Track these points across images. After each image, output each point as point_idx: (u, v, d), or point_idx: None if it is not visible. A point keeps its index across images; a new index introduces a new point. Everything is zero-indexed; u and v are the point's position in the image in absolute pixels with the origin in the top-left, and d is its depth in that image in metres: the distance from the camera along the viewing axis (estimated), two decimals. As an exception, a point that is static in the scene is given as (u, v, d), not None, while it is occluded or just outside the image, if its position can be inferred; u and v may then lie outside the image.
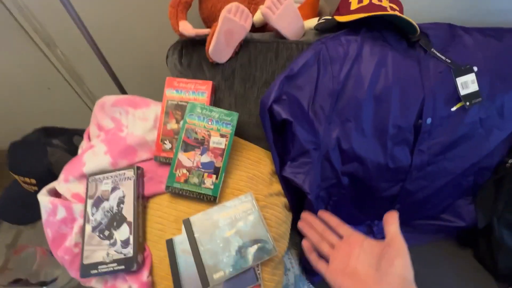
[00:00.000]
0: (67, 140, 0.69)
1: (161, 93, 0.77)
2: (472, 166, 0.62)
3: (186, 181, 0.48)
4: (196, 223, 0.45)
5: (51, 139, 0.65)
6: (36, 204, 0.50)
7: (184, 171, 0.49)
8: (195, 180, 0.48)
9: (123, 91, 0.85)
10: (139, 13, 0.76)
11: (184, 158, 0.49)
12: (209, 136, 0.50)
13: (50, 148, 0.62)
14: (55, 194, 0.53)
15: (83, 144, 0.61)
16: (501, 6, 0.65)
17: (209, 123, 0.50)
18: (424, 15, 0.67)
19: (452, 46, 0.58)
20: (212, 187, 0.48)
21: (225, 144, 0.49)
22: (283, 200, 0.55)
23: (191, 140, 0.50)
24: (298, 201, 0.58)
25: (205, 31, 0.53)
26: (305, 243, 0.40)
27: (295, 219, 0.55)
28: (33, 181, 0.60)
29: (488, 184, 0.66)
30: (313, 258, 0.38)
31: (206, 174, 0.48)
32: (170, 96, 0.55)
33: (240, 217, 0.46)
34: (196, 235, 0.45)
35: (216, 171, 0.49)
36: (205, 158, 0.49)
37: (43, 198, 0.48)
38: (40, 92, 1.03)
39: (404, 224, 0.63)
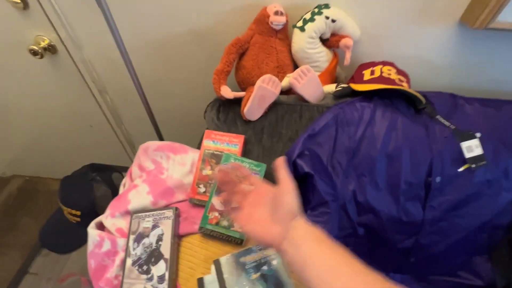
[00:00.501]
0: (107, 177, 0.78)
1: (193, 140, 0.87)
2: (484, 224, 0.64)
3: (217, 223, 0.54)
4: (225, 264, 0.50)
5: (96, 175, 0.74)
6: (75, 235, 0.56)
7: (216, 214, 0.55)
8: (225, 223, 0.54)
9: (159, 135, 0.96)
10: (184, 71, 0.89)
11: (217, 202, 0.56)
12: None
13: (95, 184, 0.71)
14: (99, 227, 0.60)
15: (126, 183, 0.69)
16: (497, 76, 0.75)
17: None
18: (428, 84, 0.77)
19: (455, 113, 0.65)
20: (240, 230, 0.53)
21: None
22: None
23: None
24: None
25: (241, 94, 0.64)
26: (222, 196, 0.42)
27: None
28: (78, 213, 0.67)
29: (503, 243, 0.67)
30: (228, 209, 0.41)
31: None
32: (207, 146, 0.64)
33: (265, 261, 0.51)
34: (225, 275, 0.49)
35: None
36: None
37: (92, 231, 0.55)
38: (83, 128, 1.16)
39: (420, 279, 0.65)
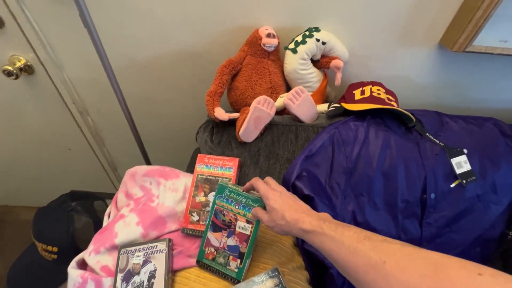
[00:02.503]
0: (89, 206, 0.72)
1: (182, 163, 0.83)
2: (477, 238, 0.66)
3: (213, 259, 0.50)
4: (225, 300, 0.46)
5: (76, 205, 0.68)
6: (51, 276, 0.50)
7: (212, 249, 0.51)
8: (221, 260, 0.50)
9: (146, 158, 0.91)
10: (173, 92, 0.87)
11: (213, 238, 0.51)
12: (236, 220, 0.50)
13: (75, 215, 0.64)
14: (81, 266, 0.54)
15: (111, 212, 0.63)
16: (476, 95, 0.79)
17: (236, 207, 0.50)
18: (415, 102, 0.81)
19: (442, 131, 0.68)
20: (236, 270, 0.49)
21: (251, 231, 0.49)
22: (305, 273, 0.56)
23: (219, 222, 0.51)
24: (317, 276, 0.59)
25: (235, 115, 0.62)
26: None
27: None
28: (55, 249, 0.60)
29: (495, 256, 0.69)
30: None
31: (231, 257, 0.50)
32: (200, 171, 0.61)
33: (269, 294, 0.47)
34: (226, 314, 0.45)
35: (240, 256, 0.49)
36: (231, 242, 0.50)
37: (73, 271, 0.49)
38: (60, 152, 1.08)
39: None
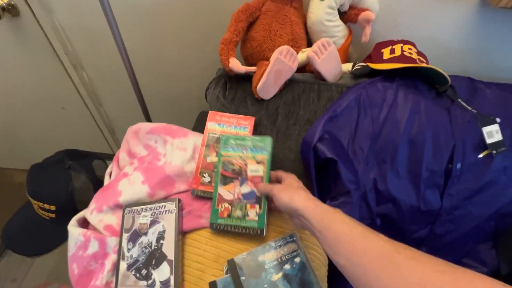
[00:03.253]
0: (88, 165, 0.66)
1: (185, 123, 0.77)
2: (495, 212, 0.63)
3: (229, 215, 0.47)
4: (241, 264, 0.43)
5: (74, 163, 0.62)
6: (49, 234, 0.46)
7: (226, 205, 0.47)
8: (238, 213, 0.47)
9: (148, 119, 0.84)
10: (178, 45, 0.78)
11: (225, 192, 0.48)
12: (246, 165, 0.49)
13: (74, 173, 0.59)
14: (82, 224, 0.49)
15: (112, 171, 0.58)
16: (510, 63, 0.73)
17: (244, 152, 0.50)
18: (444, 68, 0.74)
19: (475, 98, 0.62)
20: (256, 218, 0.46)
21: (263, 171, 0.48)
22: (322, 240, 0.53)
23: (228, 173, 0.49)
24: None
25: (252, 68, 0.55)
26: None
27: (330, 264, 0.54)
28: (53, 207, 0.56)
29: (510, 231, 0.67)
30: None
31: (248, 205, 0.47)
32: (212, 129, 0.55)
33: (287, 259, 0.44)
34: (242, 278, 0.42)
35: (258, 200, 0.47)
36: (245, 189, 0.48)
37: (74, 229, 0.45)
38: (53, 111, 1.00)
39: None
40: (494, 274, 0.65)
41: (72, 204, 0.56)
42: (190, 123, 0.76)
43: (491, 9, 0.61)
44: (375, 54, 0.65)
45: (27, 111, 1.00)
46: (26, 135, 1.10)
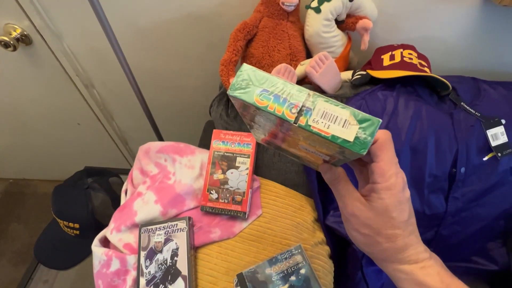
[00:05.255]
0: (105, 182, 0.71)
1: (194, 136, 0.80)
2: (503, 212, 0.63)
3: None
4: (250, 277, 0.46)
5: (92, 182, 0.67)
6: (75, 249, 0.50)
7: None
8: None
9: (156, 131, 0.88)
10: (181, 61, 0.81)
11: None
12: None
13: (92, 192, 0.64)
14: (103, 242, 0.54)
15: (127, 189, 0.62)
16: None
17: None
18: (447, 68, 0.73)
19: (479, 100, 0.62)
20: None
21: None
22: (327, 248, 0.56)
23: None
24: (339, 250, 0.58)
25: (252, 87, 0.57)
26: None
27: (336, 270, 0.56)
28: (77, 226, 0.61)
29: (519, 230, 0.67)
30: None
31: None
32: (217, 147, 0.58)
33: (292, 271, 0.47)
34: (251, 290, 0.45)
35: None
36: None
37: (97, 249, 0.49)
38: (70, 126, 1.06)
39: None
40: (504, 272, 0.66)
41: (94, 221, 0.60)
42: (197, 132, 0.79)
43: (495, 7, 0.60)
44: (374, 61, 0.65)
45: (46, 126, 1.07)
46: (49, 149, 1.17)
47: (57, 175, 1.25)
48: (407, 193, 0.26)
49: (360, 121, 0.21)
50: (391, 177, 0.25)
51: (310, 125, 0.21)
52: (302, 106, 0.21)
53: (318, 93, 0.22)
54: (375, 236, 0.25)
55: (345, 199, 0.27)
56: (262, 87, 0.22)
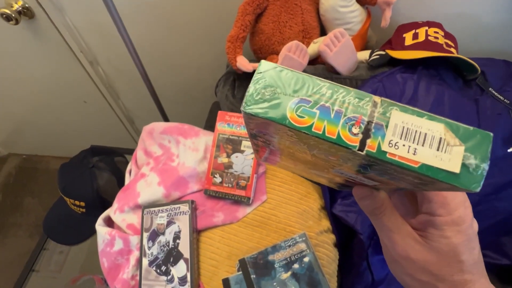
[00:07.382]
0: (110, 161, 0.71)
1: (200, 115, 0.78)
2: (523, 206, 0.60)
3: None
4: (252, 263, 0.45)
5: (97, 161, 0.67)
6: (82, 226, 0.50)
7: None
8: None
9: (161, 110, 0.86)
10: (186, 38, 0.77)
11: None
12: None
13: (97, 171, 0.64)
14: (107, 221, 0.54)
15: (131, 169, 0.62)
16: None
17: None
18: (476, 49, 0.66)
19: (510, 85, 0.56)
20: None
21: None
22: (332, 237, 0.54)
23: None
24: (345, 239, 0.57)
25: (260, 66, 0.53)
26: None
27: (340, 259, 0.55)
28: (83, 204, 0.61)
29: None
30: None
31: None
32: (222, 130, 0.55)
33: (296, 259, 0.46)
34: (252, 276, 0.45)
35: None
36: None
37: (101, 229, 0.49)
38: (77, 104, 1.06)
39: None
40: (517, 266, 0.64)
41: (99, 200, 0.61)
42: (204, 113, 0.77)
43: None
44: (395, 40, 0.59)
45: (52, 104, 1.07)
46: (58, 126, 1.19)
47: (67, 153, 1.27)
48: (476, 225, 0.21)
49: (463, 138, 0.13)
50: (457, 208, 0.19)
51: (385, 152, 0.13)
52: (369, 121, 0.14)
53: (387, 99, 0.14)
54: (436, 283, 0.19)
55: (392, 234, 0.20)
56: (297, 95, 0.14)
